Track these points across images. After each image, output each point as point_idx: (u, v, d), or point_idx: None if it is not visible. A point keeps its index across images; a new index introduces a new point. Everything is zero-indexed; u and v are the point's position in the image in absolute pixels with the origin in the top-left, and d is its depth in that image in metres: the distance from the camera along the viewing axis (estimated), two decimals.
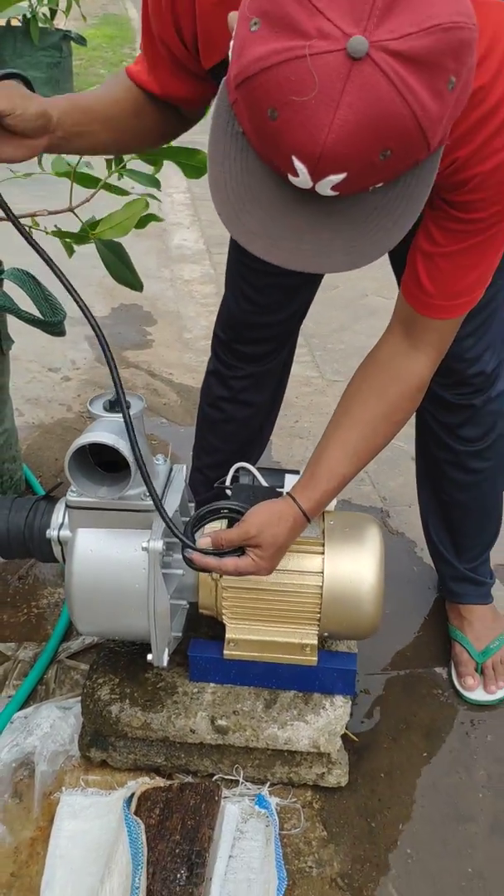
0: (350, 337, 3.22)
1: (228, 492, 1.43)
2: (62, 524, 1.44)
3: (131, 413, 1.31)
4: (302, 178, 0.84)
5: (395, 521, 2.23)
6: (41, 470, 2.34)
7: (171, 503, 1.41)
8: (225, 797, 1.47)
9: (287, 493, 1.31)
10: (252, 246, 0.94)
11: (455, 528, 1.78)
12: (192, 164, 1.85)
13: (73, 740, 1.57)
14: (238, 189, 0.92)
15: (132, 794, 1.43)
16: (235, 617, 1.49)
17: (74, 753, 1.56)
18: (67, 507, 1.40)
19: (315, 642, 1.48)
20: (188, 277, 3.74)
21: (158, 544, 1.33)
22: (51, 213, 1.83)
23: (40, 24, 5.19)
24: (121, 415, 1.28)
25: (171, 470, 1.50)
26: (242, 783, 1.51)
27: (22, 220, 1.22)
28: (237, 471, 1.47)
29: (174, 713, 1.48)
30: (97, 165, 1.90)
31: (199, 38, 1.15)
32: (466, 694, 1.73)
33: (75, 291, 1.21)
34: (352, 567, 1.43)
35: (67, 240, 1.90)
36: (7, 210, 1.20)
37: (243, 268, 1.64)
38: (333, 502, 1.43)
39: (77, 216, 1.88)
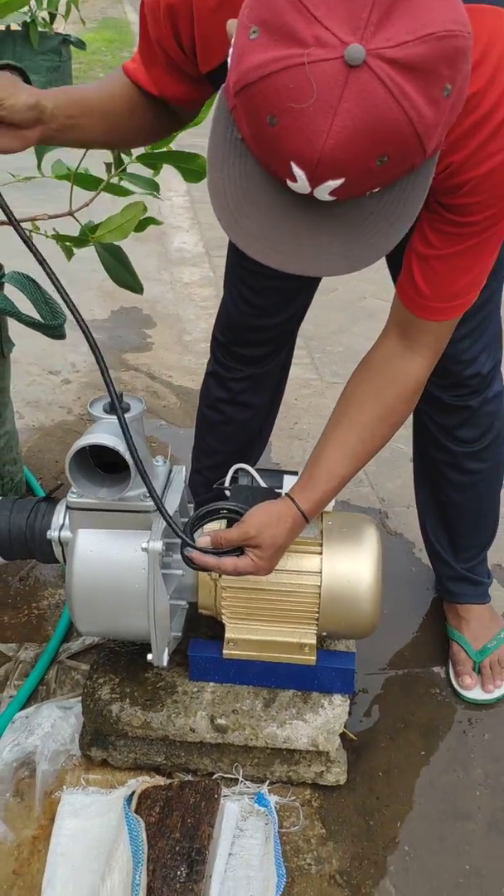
0: (349, 339, 3.23)
1: (227, 493, 1.44)
2: (63, 525, 1.45)
3: (131, 415, 1.33)
4: (300, 183, 0.85)
5: (393, 521, 2.25)
6: (41, 472, 2.36)
7: (171, 504, 1.43)
8: (224, 795, 1.48)
9: (286, 494, 1.33)
10: (251, 250, 0.95)
11: (452, 528, 1.79)
12: (191, 168, 1.87)
13: (73, 740, 1.58)
14: (237, 194, 0.93)
15: (132, 793, 1.44)
16: (234, 617, 1.50)
17: (75, 753, 1.57)
18: (68, 508, 1.42)
19: (313, 642, 1.49)
20: (188, 280, 3.76)
21: (158, 545, 1.35)
22: (51, 216, 1.84)
23: (40, 29, 5.21)
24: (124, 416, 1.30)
25: (170, 471, 1.51)
26: (242, 781, 1.52)
27: (22, 224, 1.24)
28: (236, 472, 1.48)
29: (174, 712, 1.49)
30: (97, 169, 1.91)
31: (196, 43, 1.16)
32: (464, 693, 1.74)
33: (68, 297, 1.21)
34: (350, 567, 1.44)
35: (67, 243, 1.91)
36: (9, 214, 1.21)
37: (242, 271, 1.66)
38: (331, 503, 1.44)
39: (77, 220, 1.89)
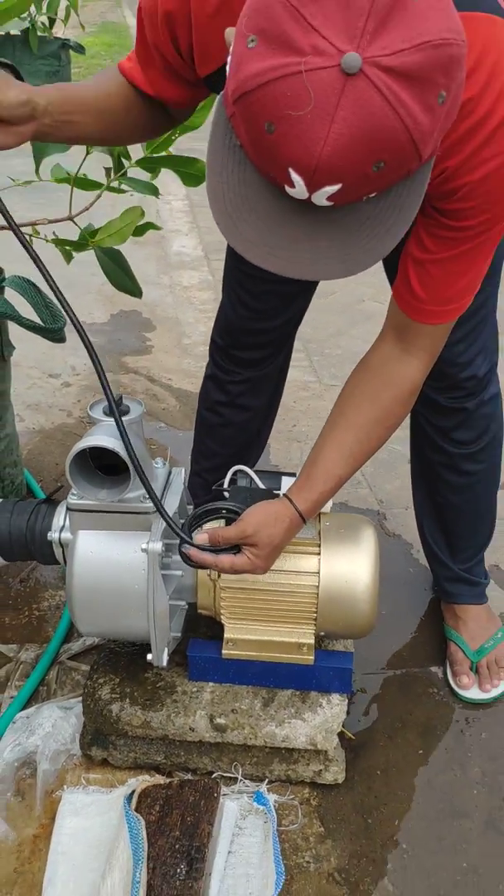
0: (347, 342, 3.25)
1: (226, 494, 1.45)
2: (63, 527, 1.46)
3: (131, 418, 1.34)
4: (298, 189, 0.86)
5: (391, 523, 2.26)
6: (42, 474, 2.37)
7: (170, 505, 1.44)
8: (224, 794, 1.49)
9: (284, 495, 1.34)
10: (249, 254, 0.97)
11: (449, 529, 1.81)
12: (190, 173, 1.88)
13: (74, 739, 1.59)
14: (236, 199, 0.94)
15: (133, 792, 1.46)
16: (233, 617, 1.51)
17: (76, 752, 1.58)
18: (68, 509, 1.43)
19: (312, 641, 1.50)
20: (187, 284, 3.77)
21: (158, 546, 1.36)
22: (51, 221, 1.86)
23: (39, 33, 5.22)
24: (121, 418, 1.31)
25: (169, 473, 1.53)
26: (241, 780, 1.53)
27: (22, 230, 1.25)
28: (235, 474, 1.50)
29: (174, 712, 1.50)
30: (96, 173, 1.92)
31: (194, 48, 1.17)
32: (462, 692, 1.76)
33: (64, 299, 1.23)
34: (347, 567, 1.46)
35: (67, 247, 1.92)
36: (9, 219, 1.22)
37: (240, 275, 1.67)
38: (329, 504, 1.45)
39: (76, 224, 1.91)
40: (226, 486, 1.48)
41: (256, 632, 1.51)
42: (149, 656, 1.46)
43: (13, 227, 1.22)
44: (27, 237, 1.23)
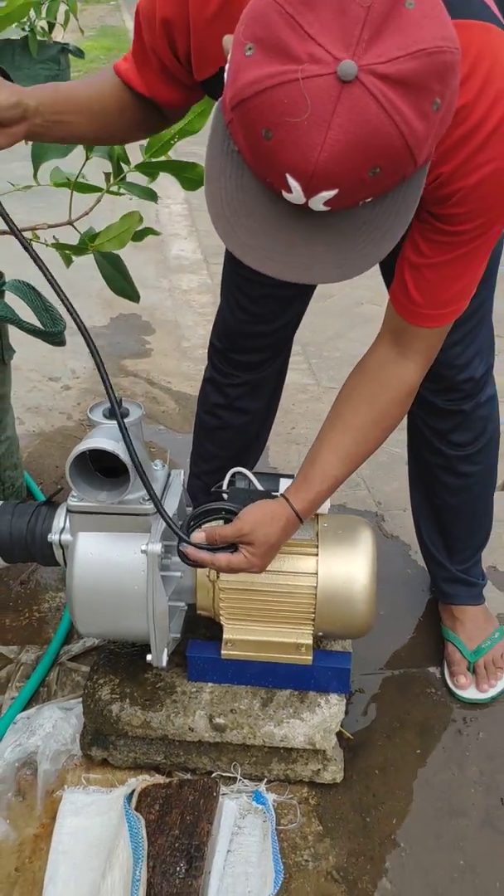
0: (345, 344, 3.26)
1: (225, 495, 1.46)
2: (63, 528, 1.47)
3: (130, 420, 1.35)
4: (295, 194, 0.88)
5: (389, 524, 2.27)
6: (42, 477, 2.38)
7: (169, 507, 1.45)
8: (223, 794, 1.50)
9: (281, 495, 1.35)
10: (247, 258, 0.98)
11: (447, 530, 1.82)
12: (189, 177, 1.89)
13: (74, 740, 1.60)
14: (234, 204, 0.95)
15: (132, 791, 1.47)
16: (232, 618, 1.52)
17: (76, 752, 1.59)
18: (68, 511, 1.44)
19: (310, 642, 1.51)
20: (186, 287, 3.78)
21: (157, 547, 1.37)
22: (50, 226, 1.87)
23: (38, 38, 5.24)
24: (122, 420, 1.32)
25: (168, 475, 1.54)
26: (240, 780, 1.54)
27: (23, 233, 1.26)
28: (233, 475, 1.51)
29: (173, 712, 1.52)
30: (95, 177, 1.94)
31: (192, 53, 1.19)
32: (459, 693, 1.77)
33: (70, 304, 1.24)
34: (345, 568, 1.47)
35: (66, 251, 1.94)
36: (10, 224, 1.23)
37: (239, 279, 1.68)
38: (327, 505, 1.46)
39: (76, 229, 1.92)
40: (224, 487, 1.49)
41: (255, 632, 1.52)
42: (148, 657, 1.47)
43: (14, 230, 1.23)
44: (28, 241, 1.24)
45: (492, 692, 1.77)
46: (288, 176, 0.86)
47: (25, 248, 1.24)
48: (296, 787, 1.56)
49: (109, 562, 1.42)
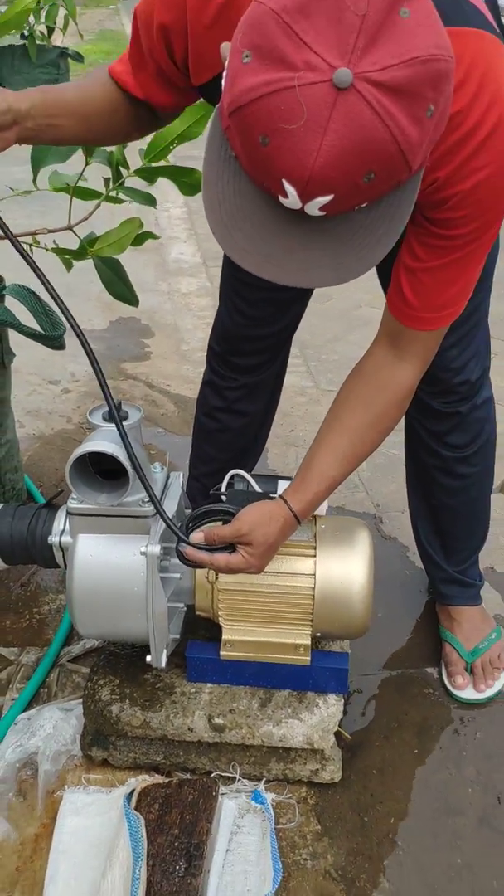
0: (344, 347, 3.27)
1: (223, 497, 1.47)
2: (63, 530, 1.48)
3: (130, 423, 1.36)
4: (291, 199, 0.89)
5: (388, 526, 2.28)
6: (42, 479, 2.39)
7: (168, 509, 1.45)
8: (222, 793, 1.51)
9: (279, 496, 1.36)
10: (245, 263, 0.99)
11: (444, 531, 1.83)
12: (187, 182, 1.91)
13: (74, 740, 1.61)
14: (231, 209, 0.97)
15: (132, 791, 1.48)
16: (231, 619, 1.53)
17: (76, 753, 1.60)
18: (68, 513, 1.45)
19: (308, 642, 1.52)
20: (185, 290, 3.79)
21: (156, 548, 1.38)
22: (50, 231, 1.88)
23: (38, 42, 5.25)
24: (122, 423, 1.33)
25: (167, 477, 1.55)
26: (239, 779, 1.55)
27: (22, 239, 1.27)
28: (232, 478, 1.52)
29: (172, 712, 1.52)
30: (95, 182, 1.95)
31: (190, 58, 1.20)
32: (457, 693, 1.78)
33: (66, 309, 1.25)
34: (342, 569, 1.48)
35: (66, 256, 1.95)
36: (7, 231, 1.25)
37: (237, 283, 1.70)
38: (325, 507, 1.47)
39: (76, 233, 1.93)
40: (223, 489, 1.50)
41: (254, 633, 1.53)
42: (148, 658, 1.48)
43: (11, 239, 1.25)
44: (27, 247, 1.25)
45: (489, 692, 1.78)
46: (284, 181, 0.87)
47: (18, 251, 1.25)
48: (294, 786, 1.57)
49: (109, 563, 1.43)
